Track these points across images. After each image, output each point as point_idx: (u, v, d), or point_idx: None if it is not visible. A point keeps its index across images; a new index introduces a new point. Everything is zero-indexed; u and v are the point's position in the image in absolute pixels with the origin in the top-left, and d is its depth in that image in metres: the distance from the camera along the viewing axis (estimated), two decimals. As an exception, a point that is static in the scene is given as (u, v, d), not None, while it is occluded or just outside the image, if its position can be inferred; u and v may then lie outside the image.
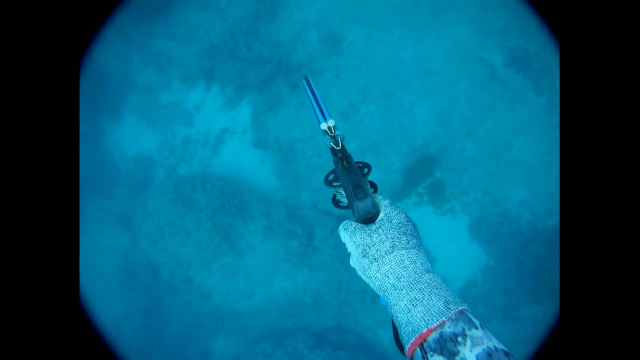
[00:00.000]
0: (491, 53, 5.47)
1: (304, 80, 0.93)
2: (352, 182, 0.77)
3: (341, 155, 0.82)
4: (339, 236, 0.79)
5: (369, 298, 4.76)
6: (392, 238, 0.70)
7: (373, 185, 0.85)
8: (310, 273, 4.85)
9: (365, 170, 0.84)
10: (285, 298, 4.81)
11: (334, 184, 0.85)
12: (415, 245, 0.71)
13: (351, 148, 0.87)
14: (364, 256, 0.71)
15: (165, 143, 5.75)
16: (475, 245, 5.24)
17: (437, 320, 0.59)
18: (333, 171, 0.86)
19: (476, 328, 0.58)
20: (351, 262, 0.76)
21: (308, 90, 0.93)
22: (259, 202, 4.89)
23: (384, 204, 0.77)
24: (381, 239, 0.71)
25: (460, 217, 5.22)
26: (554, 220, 4.88)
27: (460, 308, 0.60)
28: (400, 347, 0.65)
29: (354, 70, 5.85)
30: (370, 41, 5.96)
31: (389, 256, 0.69)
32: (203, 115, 5.92)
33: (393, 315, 0.66)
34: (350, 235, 0.74)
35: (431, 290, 0.63)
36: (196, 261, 4.56)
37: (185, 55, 6.27)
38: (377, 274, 0.69)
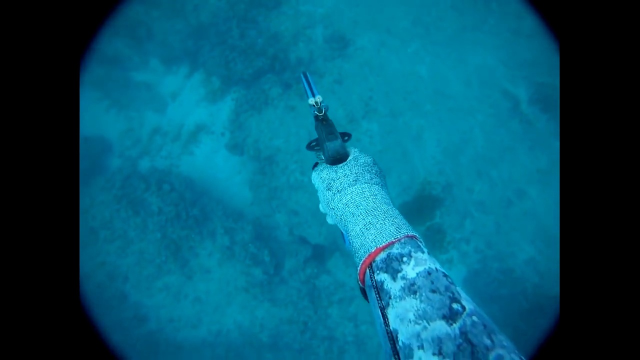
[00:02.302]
0: (517, 86, 5.35)
1: (301, 75, 1.03)
2: (327, 130, 0.90)
3: (322, 118, 0.93)
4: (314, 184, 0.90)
5: (337, 348, 4.46)
6: (355, 173, 0.83)
7: (347, 135, 0.97)
8: (271, 308, 4.55)
9: (346, 138, 0.95)
10: (238, 333, 4.48)
11: (316, 148, 0.96)
12: (378, 182, 0.83)
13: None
14: (329, 189, 0.83)
15: (130, 130, 5.43)
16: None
17: (387, 240, 0.68)
18: (316, 139, 0.96)
19: (422, 252, 0.66)
20: (320, 207, 0.88)
21: (304, 81, 1.02)
22: (223, 217, 4.59)
23: (353, 149, 0.91)
24: (345, 174, 0.83)
25: (457, 268, 4.99)
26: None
27: (410, 233, 0.70)
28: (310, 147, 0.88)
29: (359, 79, 5.66)
30: (383, 49, 5.80)
31: (351, 188, 0.80)
32: (179, 105, 5.63)
33: (350, 244, 0.76)
34: (318, 173, 0.88)
35: (385, 217, 0.73)
36: (134, 276, 4.21)
37: (167, 30, 6.01)
38: (339, 204, 0.80)
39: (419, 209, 5.00)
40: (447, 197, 5.03)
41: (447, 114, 5.31)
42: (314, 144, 0.98)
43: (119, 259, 4.21)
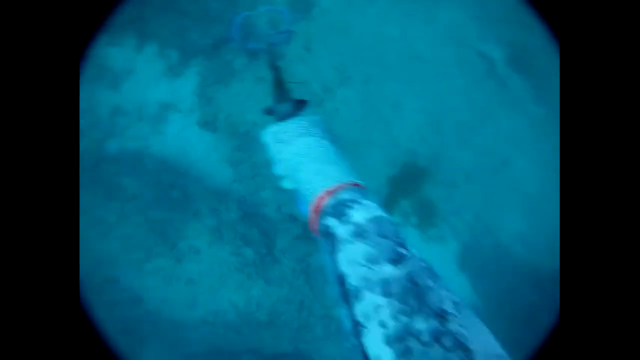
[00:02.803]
0: (490, 45, 5.45)
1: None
2: (280, 87, 0.95)
3: (276, 66, 1.00)
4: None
5: (335, 326, 4.61)
6: (305, 128, 0.87)
7: (303, 101, 1.00)
8: (267, 287, 4.57)
9: (303, 103, 0.99)
10: (235, 313, 4.48)
11: (272, 115, 1.01)
12: (329, 138, 0.87)
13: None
14: (277, 141, 0.88)
15: (86, 109, 4.92)
16: (461, 278, 4.97)
17: (334, 184, 0.74)
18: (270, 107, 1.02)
19: (369, 200, 0.71)
20: (274, 169, 0.91)
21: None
22: (206, 196, 4.45)
23: (306, 110, 0.95)
24: (294, 127, 0.87)
25: (449, 244, 5.09)
26: (553, 262, 4.35)
27: (359, 183, 0.77)
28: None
29: (329, 44, 5.57)
30: (349, 10, 5.70)
31: (299, 139, 0.85)
32: (135, 82, 5.19)
33: (299, 191, 0.81)
34: (267, 129, 0.92)
35: (334, 164, 0.80)
36: (123, 261, 4.03)
37: None
38: (289, 154, 0.85)
39: (406, 181, 5.12)
40: (432, 166, 5.15)
41: (423, 77, 5.43)
42: (268, 110, 1.03)
43: (103, 245, 4.01)
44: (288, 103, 0.94)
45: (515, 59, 5.41)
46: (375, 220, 0.67)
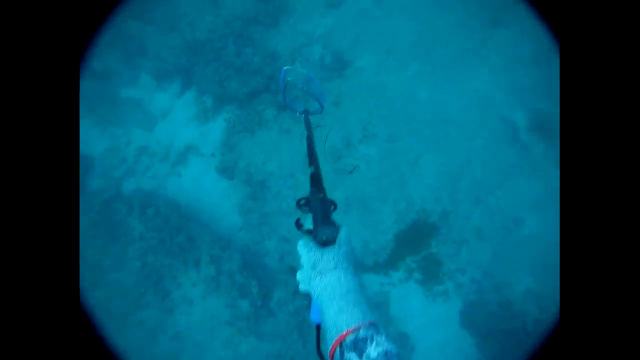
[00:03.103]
0: (515, 113, 5.28)
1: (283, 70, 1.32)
2: (323, 211, 1.06)
3: (318, 187, 1.09)
4: (296, 251, 1.07)
5: None
6: (337, 260, 1.02)
7: (334, 204, 1.10)
8: (257, 343, 4.33)
9: (332, 207, 1.09)
10: (220, 371, 4.25)
11: (304, 208, 1.11)
12: (352, 272, 1.02)
13: (336, 196, 1.11)
14: (313, 268, 1.03)
15: (115, 148, 5.27)
16: (465, 336, 4.80)
17: (356, 324, 0.89)
18: (305, 198, 1.11)
19: (381, 335, 0.87)
20: (298, 275, 1.07)
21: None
22: (210, 243, 4.41)
23: (340, 233, 1.06)
24: (329, 259, 1.02)
25: (452, 300, 4.81)
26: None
27: (373, 320, 0.91)
28: (320, 354, 1.05)
29: (358, 101, 5.56)
30: (382, 71, 5.73)
31: (331, 272, 1.00)
32: (169, 123, 5.50)
33: (322, 320, 0.98)
34: (307, 250, 1.06)
35: (355, 304, 0.94)
36: (107, 310, 3.94)
37: (161, 45, 5.92)
38: (320, 284, 1.00)
39: (415, 238, 4.84)
40: (443, 226, 4.88)
41: (445, 140, 5.21)
42: (303, 202, 1.12)
43: (91, 291, 3.96)
44: (330, 227, 1.03)
45: (539, 126, 5.17)
46: (385, 354, 0.82)
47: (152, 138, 5.22)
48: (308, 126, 1.37)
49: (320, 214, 1.05)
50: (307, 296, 1.08)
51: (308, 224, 1.13)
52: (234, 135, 5.27)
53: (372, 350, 0.83)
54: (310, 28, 6.14)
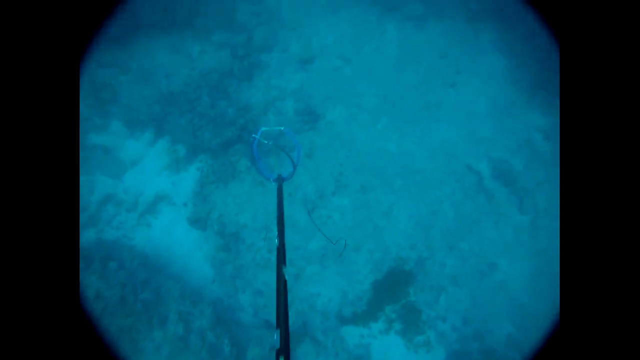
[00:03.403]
0: (478, 161, 5.63)
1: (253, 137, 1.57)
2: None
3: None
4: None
5: None
6: None
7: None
8: (229, 411, 3.97)
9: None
10: None
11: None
12: None
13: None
14: None
15: (80, 195, 4.99)
16: None
17: None
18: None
19: None
20: None
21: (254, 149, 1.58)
22: (179, 299, 4.14)
23: None
24: None
25: (435, 350, 4.72)
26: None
27: None
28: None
29: (330, 154, 5.70)
30: (354, 124, 5.97)
31: None
32: (139, 171, 5.33)
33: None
34: None
35: None
36: None
37: (134, 94, 5.90)
38: None
39: (392, 286, 4.80)
40: (419, 272, 4.90)
41: (416, 188, 5.39)
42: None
43: None
44: None
45: (502, 175, 5.50)
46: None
47: (120, 186, 5.01)
48: (280, 196, 1.41)
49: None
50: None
51: None
52: (207, 185, 5.18)
53: None
54: (283, 83, 6.37)
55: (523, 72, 6.38)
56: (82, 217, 4.62)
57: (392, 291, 4.82)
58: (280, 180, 1.84)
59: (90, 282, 3.73)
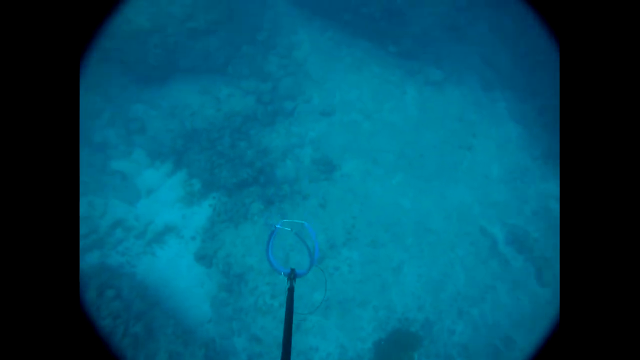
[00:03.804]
0: (492, 225, 5.52)
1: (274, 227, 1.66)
2: None
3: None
4: None
5: None
6: None
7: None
8: None
9: None
10: None
11: None
12: None
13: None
14: None
15: (86, 218, 5.00)
16: None
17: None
18: None
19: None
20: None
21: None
22: (171, 336, 3.95)
23: None
24: None
25: None
26: None
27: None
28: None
29: (344, 205, 5.68)
30: (369, 178, 6.00)
31: None
32: (153, 200, 5.37)
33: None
34: None
35: None
36: None
37: (160, 128, 6.11)
38: None
39: (396, 348, 4.50)
40: (426, 337, 4.61)
41: (428, 248, 5.25)
42: None
43: None
44: None
45: (516, 241, 5.39)
46: None
47: (132, 212, 5.02)
48: (290, 298, 1.43)
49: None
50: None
51: None
52: (218, 223, 5.15)
53: None
54: (304, 131, 6.54)
55: (537, 142, 6.46)
56: (90, 239, 4.59)
57: (395, 353, 4.52)
58: (293, 277, 1.74)
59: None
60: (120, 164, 5.55)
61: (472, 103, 6.88)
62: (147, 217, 5.06)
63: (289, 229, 2.22)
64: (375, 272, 4.94)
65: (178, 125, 6.18)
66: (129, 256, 4.56)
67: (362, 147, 6.33)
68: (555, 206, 5.74)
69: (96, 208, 5.05)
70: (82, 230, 4.66)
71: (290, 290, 1.53)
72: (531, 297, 4.99)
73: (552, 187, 5.97)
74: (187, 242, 4.88)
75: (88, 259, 4.39)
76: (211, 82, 6.80)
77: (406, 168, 6.09)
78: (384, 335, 4.53)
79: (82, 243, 4.53)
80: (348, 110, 6.78)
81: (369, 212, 5.63)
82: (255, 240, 5.05)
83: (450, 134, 6.50)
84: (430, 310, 4.77)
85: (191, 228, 5.04)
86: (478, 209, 5.67)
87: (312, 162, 6.16)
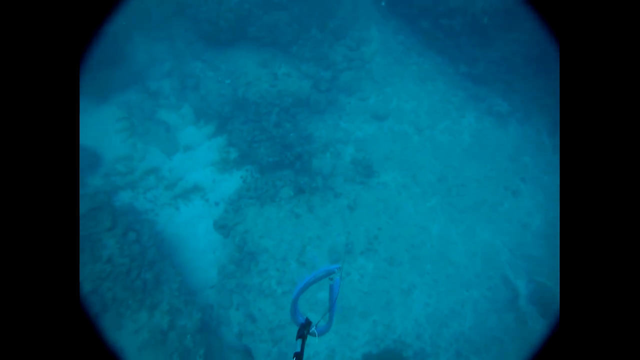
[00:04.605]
0: (518, 277, 5.26)
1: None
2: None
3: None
4: None
5: None
6: None
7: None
8: None
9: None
10: None
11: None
12: None
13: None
14: None
15: (128, 157, 5.18)
16: None
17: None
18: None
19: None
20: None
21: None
22: (175, 292, 4.04)
23: None
24: None
25: None
26: None
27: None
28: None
29: (372, 214, 5.59)
30: (405, 193, 5.87)
31: None
32: (188, 157, 5.50)
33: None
34: None
35: None
36: None
37: (213, 90, 6.22)
38: None
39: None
40: (416, 366, 4.51)
41: (443, 280, 5.10)
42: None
43: None
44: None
45: (542, 303, 5.03)
46: None
47: (167, 164, 5.17)
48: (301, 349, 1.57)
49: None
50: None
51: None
52: (245, 198, 5.20)
53: None
54: (351, 128, 6.47)
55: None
56: (126, 179, 4.78)
57: (382, 374, 4.45)
58: (306, 328, 1.67)
59: (109, 244, 3.77)
60: (168, 115, 5.71)
61: (531, 145, 6.55)
62: (179, 171, 5.18)
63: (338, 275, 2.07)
64: (384, 288, 4.85)
65: (230, 91, 6.26)
66: (155, 204, 4.70)
67: (406, 160, 6.19)
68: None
69: (138, 151, 5.23)
70: (122, 168, 4.84)
71: (303, 340, 1.59)
72: None
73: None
74: (210, 207, 4.98)
75: (122, 197, 4.58)
76: (272, 57, 6.83)
77: (444, 193, 5.91)
78: (375, 351, 4.46)
79: (120, 181, 4.72)
80: (401, 119, 6.64)
81: (395, 228, 5.52)
82: (277, 224, 5.07)
83: (499, 171, 6.23)
84: (428, 341, 4.65)
85: (218, 194, 5.12)
86: (507, 256, 5.43)
87: (351, 162, 6.09)
